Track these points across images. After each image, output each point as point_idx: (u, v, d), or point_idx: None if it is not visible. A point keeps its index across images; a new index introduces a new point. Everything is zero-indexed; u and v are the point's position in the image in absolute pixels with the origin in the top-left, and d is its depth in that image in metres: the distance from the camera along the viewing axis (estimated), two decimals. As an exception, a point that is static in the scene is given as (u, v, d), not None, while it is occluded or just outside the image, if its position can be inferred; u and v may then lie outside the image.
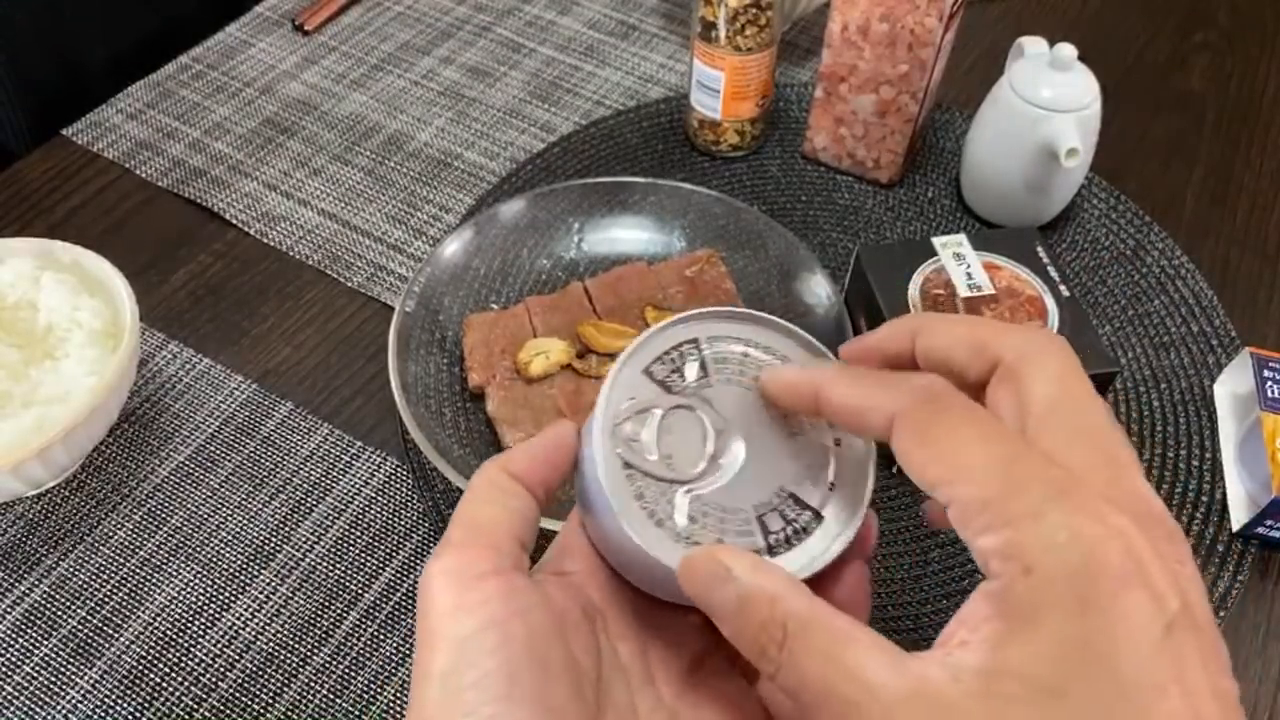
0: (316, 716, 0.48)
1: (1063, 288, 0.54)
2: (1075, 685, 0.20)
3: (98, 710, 0.48)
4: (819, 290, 0.58)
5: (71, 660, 0.49)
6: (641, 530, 0.27)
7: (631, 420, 0.28)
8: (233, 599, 0.51)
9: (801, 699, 0.22)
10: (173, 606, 0.51)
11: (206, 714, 0.48)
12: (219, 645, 0.50)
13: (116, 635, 0.50)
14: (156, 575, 0.52)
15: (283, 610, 0.51)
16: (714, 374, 0.29)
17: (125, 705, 0.48)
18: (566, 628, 0.27)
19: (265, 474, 0.56)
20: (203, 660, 0.49)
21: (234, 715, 0.48)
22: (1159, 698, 0.20)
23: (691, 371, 0.29)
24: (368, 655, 0.50)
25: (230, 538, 0.54)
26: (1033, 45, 0.64)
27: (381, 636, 0.50)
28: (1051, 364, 0.25)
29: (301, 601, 0.51)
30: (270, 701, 0.48)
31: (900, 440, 0.24)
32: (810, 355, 0.30)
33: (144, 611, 0.51)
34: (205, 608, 0.51)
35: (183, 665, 0.49)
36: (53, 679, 0.49)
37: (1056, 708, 0.20)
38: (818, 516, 0.28)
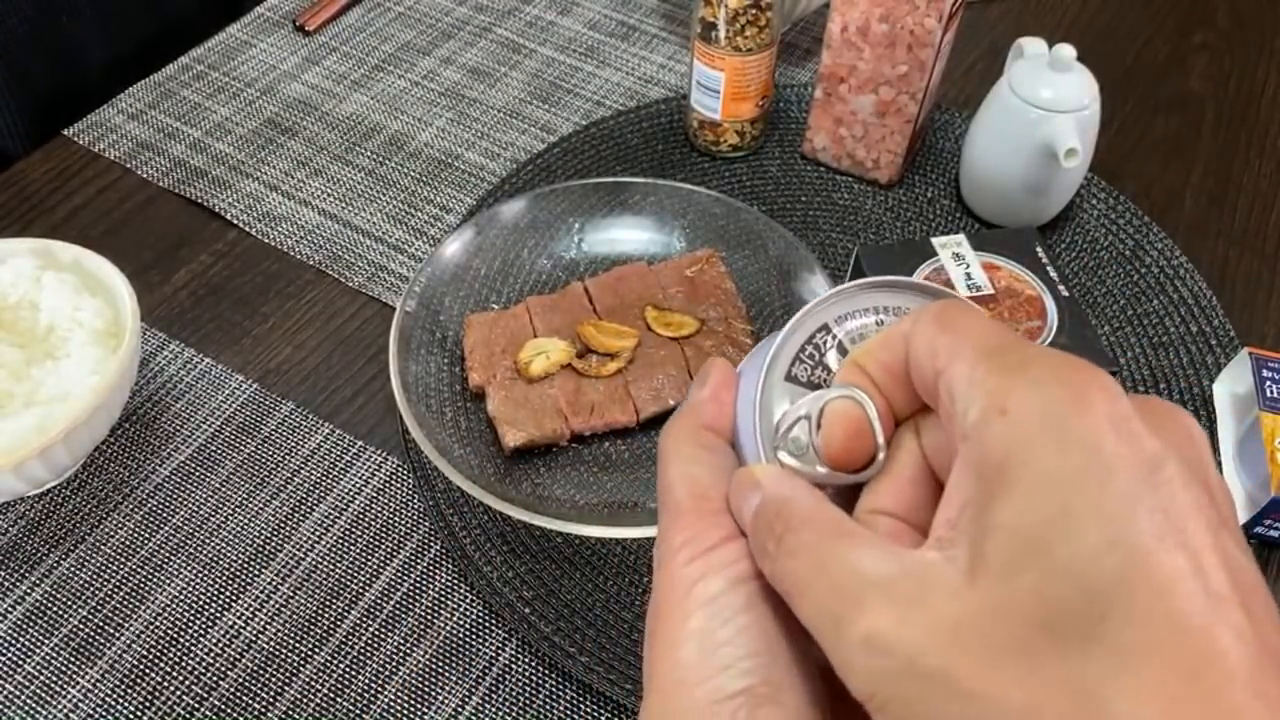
0: (316, 716, 0.48)
1: (1062, 288, 0.54)
2: (1060, 536, 0.18)
3: (98, 710, 0.48)
4: (819, 290, 0.58)
5: (72, 660, 0.49)
6: None
7: (793, 431, 0.26)
8: (233, 599, 0.51)
9: (789, 591, 0.22)
10: (173, 606, 0.51)
11: (207, 714, 0.48)
12: (219, 645, 0.50)
13: (117, 635, 0.50)
14: (157, 575, 0.52)
15: (283, 610, 0.51)
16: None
17: (125, 705, 0.48)
18: None
19: (266, 474, 0.56)
20: (203, 660, 0.49)
21: (234, 715, 0.48)
22: (1159, 545, 0.18)
23: (833, 359, 0.27)
24: (368, 655, 0.50)
25: (231, 537, 0.54)
26: (1032, 46, 0.64)
27: (381, 636, 0.50)
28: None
29: (302, 601, 0.52)
30: (270, 701, 0.48)
31: (919, 329, 0.23)
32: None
33: (144, 611, 0.51)
34: (206, 607, 0.51)
35: (183, 665, 0.49)
36: (53, 679, 0.49)
37: (1041, 567, 0.18)
38: None
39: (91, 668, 0.49)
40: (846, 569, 0.21)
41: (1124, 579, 0.18)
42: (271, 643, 0.50)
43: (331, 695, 0.49)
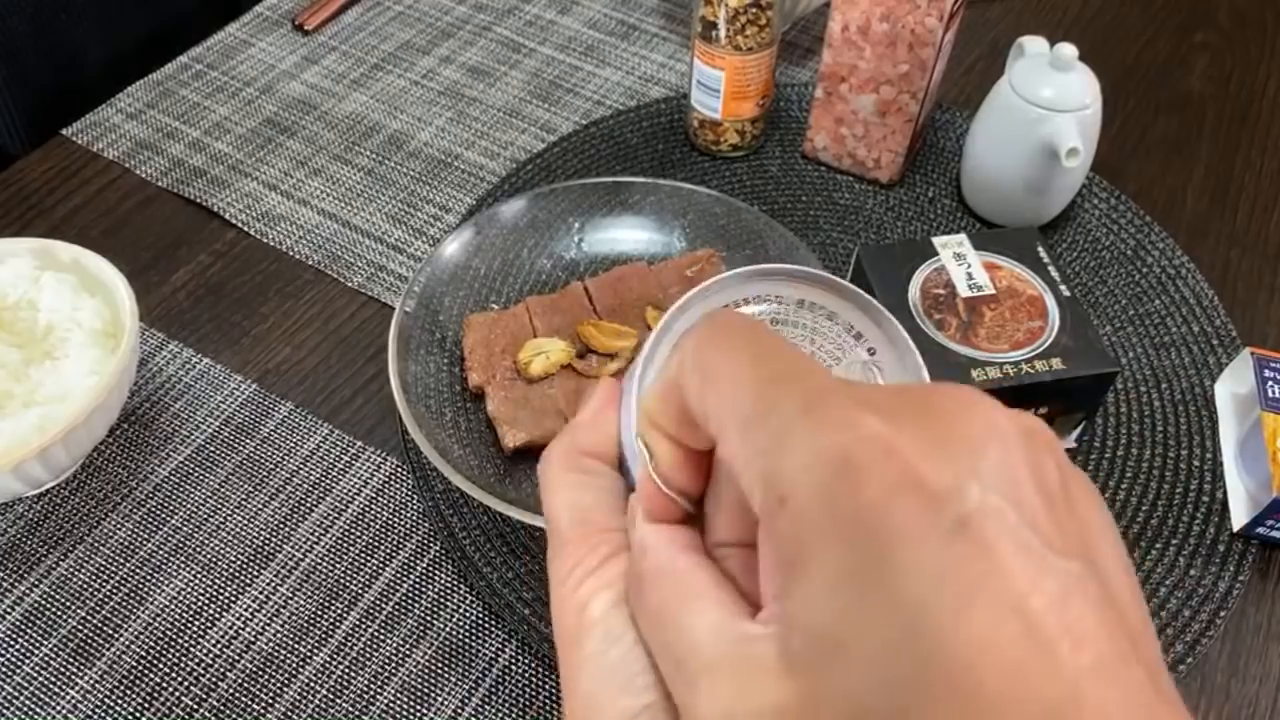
0: (316, 716, 0.48)
1: (1063, 287, 0.54)
2: (855, 631, 0.17)
3: (98, 710, 0.48)
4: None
5: (71, 660, 0.49)
6: None
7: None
8: (233, 599, 0.51)
9: (650, 647, 0.22)
10: (173, 606, 0.51)
11: (206, 714, 0.48)
12: (219, 645, 0.50)
13: (116, 635, 0.50)
14: (156, 575, 0.52)
15: (283, 610, 0.51)
16: None
17: (125, 705, 0.48)
18: None
19: (265, 474, 0.56)
20: (203, 660, 0.49)
21: (234, 715, 0.48)
22: (957, 618, 0.16)
23: None
24: (368, 655, 0.50)
25: (230, 538, 0.53)
26: (1033, 45, 0.64)
27: (381, 636, 0.50)
28: None
29: (301, 601, 0.51)
30: (270, 702, 0.48)
31: (687, 381, 0.21)
32: (833, 294, 0.27)
33: (144, 611, 0.51)
34: (205, 608, 0.51)
35: (183, 665, 0.49)
36: (53, 679, 0.49)
37: (841, 665, 0.17)
38: None
39: (91, 668, 0.49)
40: (686, 645, 0.20)
41: (925, 665, 0.16)
42: (271, 643, 0.50)
43: (331, 696, 0.48)
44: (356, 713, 0.48)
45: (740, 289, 0.27)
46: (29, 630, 0.50)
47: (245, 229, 0.68)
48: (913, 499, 0.17)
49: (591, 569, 0.24)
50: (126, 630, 0.50)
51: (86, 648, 0.50)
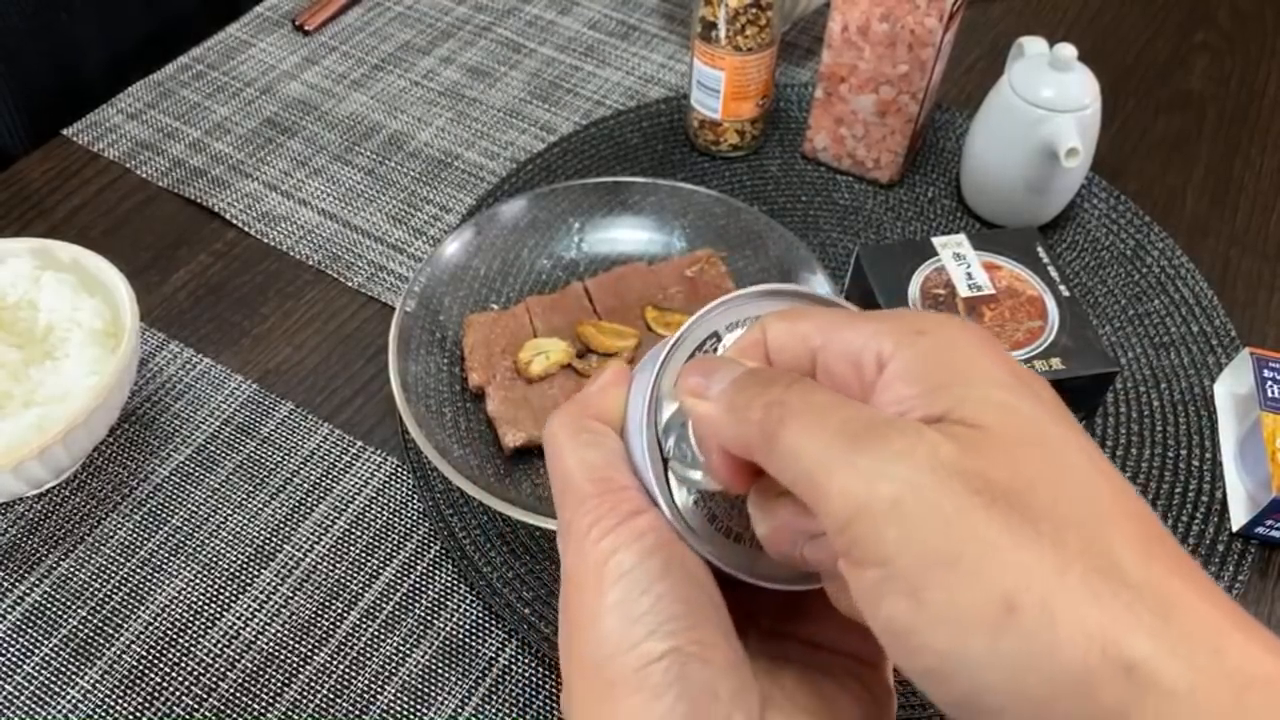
0: (316, 717, 0.48)
1: (1063, 287, 0.54)
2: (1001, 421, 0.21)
3: (98, 710, 0.48)
4: (819, 290, 0.58)
5: (71, 660, 0.49)
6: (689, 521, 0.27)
7: (671, 439, 0.27)
8: (233, 599, 0.51)
9: (775, 435, 0.22)
10: (173, 606, 0.51)
11: (206, 714, 0.48)
12: (219, 645, 0.50)
13: (116, 635, 0.50)
14: (157, 575, 0.52)
15: (283, 610, 0.51)
16: None
17: (125, 705, 0.48)
18: None
19: (265, 474, 0.56)
20: (203, 660, 0.49)
21: (234, 715, 0.48)
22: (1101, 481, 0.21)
23: None
24: (368, 655, 0.50)
25: (230, 538, 0.54)
26: (1033, 45, 0.64)
27: (381, 636, 0.50)
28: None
29: (301, 601, 0.51)
30: (270, 702, 0.48)
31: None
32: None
33: (144, 611, 0.51)
34: (205, 608, 0.51)
35: (183, 665, 0.49)
36: (53, 679, 0.49)
37: (988, 446, 0.21)
38: None
39: (91, 668, 0.49)
40: (847, 413, 0.22)
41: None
42: (271, 643, 0.50)
43: (331, 696, 0.48)
44: (356, 713, 0.48)
45: (757, 305, 0.28)
46: (29, 630, 0.50)
47: (245, 229, 0.68)
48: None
49: (613, 525, 0.25)
50: (127, 630, 0.50)
51: (87, 648, 0.50)
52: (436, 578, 0.52)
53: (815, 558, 0.24)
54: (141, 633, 0.50)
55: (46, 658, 0.49)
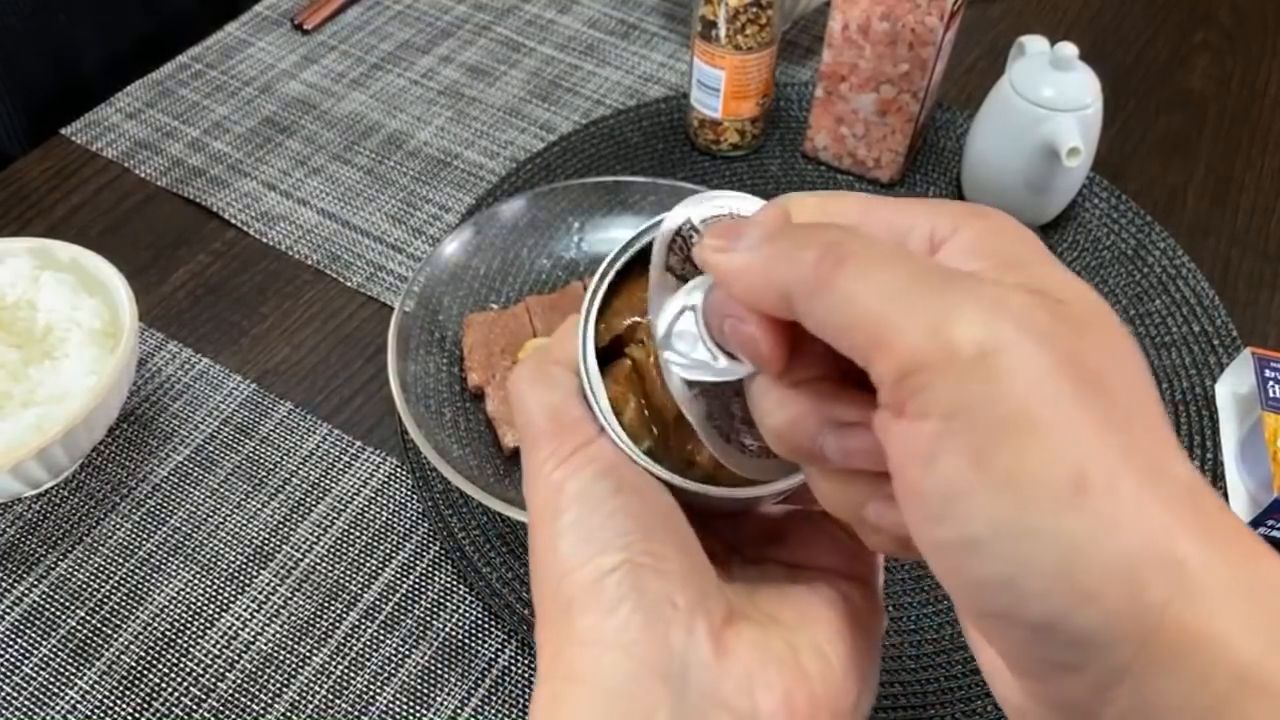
0: (316, 717, 0.48)
1: (1064, 287, 0.54)
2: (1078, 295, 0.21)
3: (97, 710, 0.48)
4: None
5: (71, 660, 0.49)
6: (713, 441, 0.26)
7: (679, 323, 0.26)
8: (232, 599, 0.51)
9: (856, 292, 0.20)
10: (172, 606, 0.51)
11: (206, 714, 0.48)
12: (218, 645, 0.50)
13: (116, 635, 0.50)
14: (156, 575, 0.52)
15: (282, 610, 0.51)
16: None
17: (125, 705, 0.48)
18: None
19: (264, 474, 0.56)
20: (202, 660, 0.49)
21: (233, 716, 0.48)
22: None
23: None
24: (367, 655, 0.50)
25: (229, 538, 0.53)
26: (1034, 44, 0.64)
27: (381, 637, 0.50)
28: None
29: (301, 602, 0.51)
30: (270, 702, 0.48)
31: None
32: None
33: (143, 611, 0.51)
34: (205, 608, 0.51)
35: (182, 665, 0.49)
36: (52, 679, 0.49)
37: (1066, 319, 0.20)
38: None
39: (90, 668, 0.49)
40: (921, 262, 0.21)
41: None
42: (270, 644, 0.50)
43: (330, 696, 0.48)
44: (356, 713, 0.48)
45: (718, 203, 0.28)
46: (28, 630, 0.50)
47: (244, 228, 0.68)
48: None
49: (566, 455, 0.26)
50: (126, 630, 0.50)
51: (86, 648, 0.50)
52: (436, 578, 0.52)
53: (839, 448, 0.23)
54: (140, 633, 0.50)
55: (45, 658, 0.49)
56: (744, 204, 0.27)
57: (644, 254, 0.28)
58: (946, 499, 0.19)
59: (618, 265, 0.28)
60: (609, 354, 0.29)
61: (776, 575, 0.28)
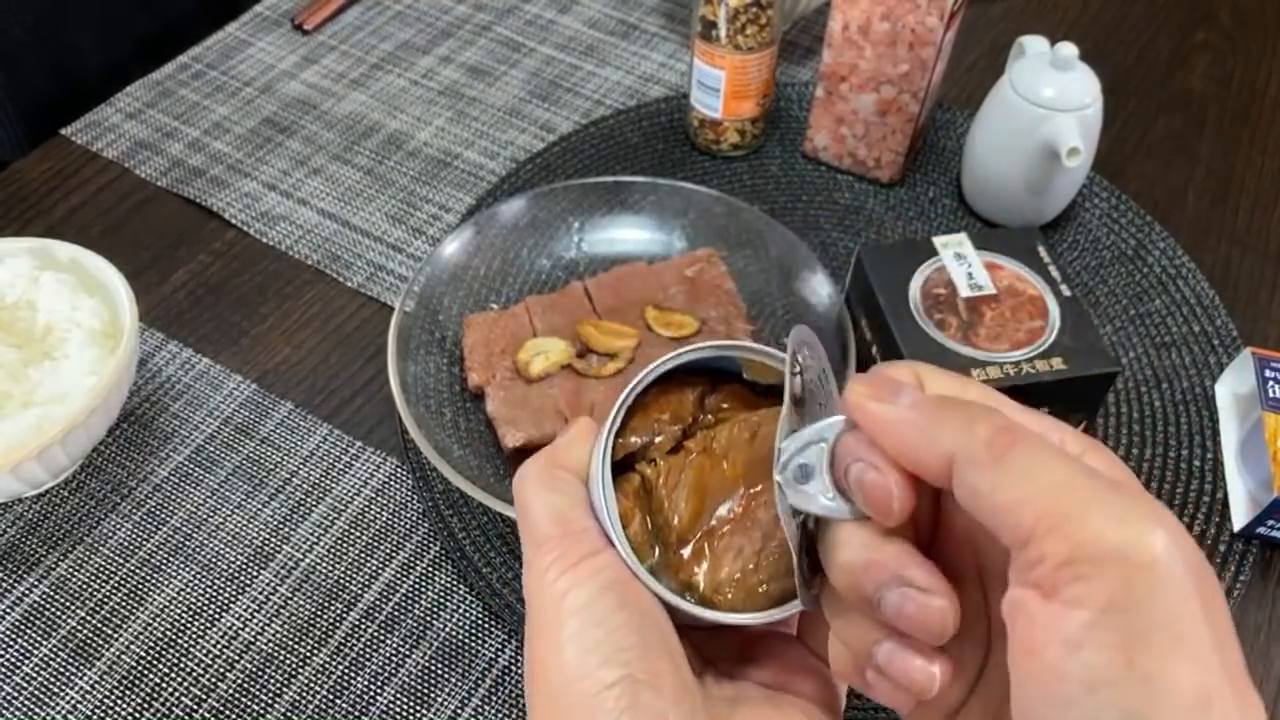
0: (316, 717, 0.48)
1: (1064, 287, 0.54)
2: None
3: (97, 710, 0.48)
4: (820, 290, 0.58)
5: (71, 660, 0.49)
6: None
7: (803, 455, 0.27)
8: (232, 599, 0.51)
9: (1016, 491, 0.22)
10: (172, 607, 0.51)
11: (206, 714, 0.48)
12: (218, 646, 0.50)
13: (116, 635, 0.50)
14: (156, 575, 0.52)
15: (282, 611, 0.51)
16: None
17: (125, 705, 0.48)
18: None
19: (265, 474, 0.56)
20: (202, 661, 0.49)
21: (233, 716, 0.48)
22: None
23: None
24: (368, 656, 0.50)
25: (230, 538, 0.53)
26: (1034, 44, 0.64)
27: (381, 637, 0.50)
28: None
29: (301, 602, 0.51)
30: (270, 702, 0.48)
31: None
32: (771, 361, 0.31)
33: (143, 612, 0.51)
34: (205, 608, 0.51)
35: (182, 666, 0.49)
36: (52, 679, 0.49)
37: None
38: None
39: (90, 669, 0.49)
40: (1083, 465, 0.22)
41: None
42: (270, 644, 0.50)
43: (330, 697, 0.48)
44: (356, 713, 0.48)
45: (696, 355, 0.30)
46: (29, 630, 0.50)
47: (244, 229, 0.68)
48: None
49: (572, 563, 0.27)
50: (126, 630, 0.50)
51: (86, 648, 0.50)
52: (436, 578, 0.52)
53: (898, 606, 0.24)
54: (140, 633, 0.50)
55: (45, 658, 0.49)
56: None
57: (660, 377, 0.30)
58: (1089, 685, 0.20)
59: (640, 387, 0.30)
60: (617, 468, 0.30)
61: (754, 696, 0.30)
